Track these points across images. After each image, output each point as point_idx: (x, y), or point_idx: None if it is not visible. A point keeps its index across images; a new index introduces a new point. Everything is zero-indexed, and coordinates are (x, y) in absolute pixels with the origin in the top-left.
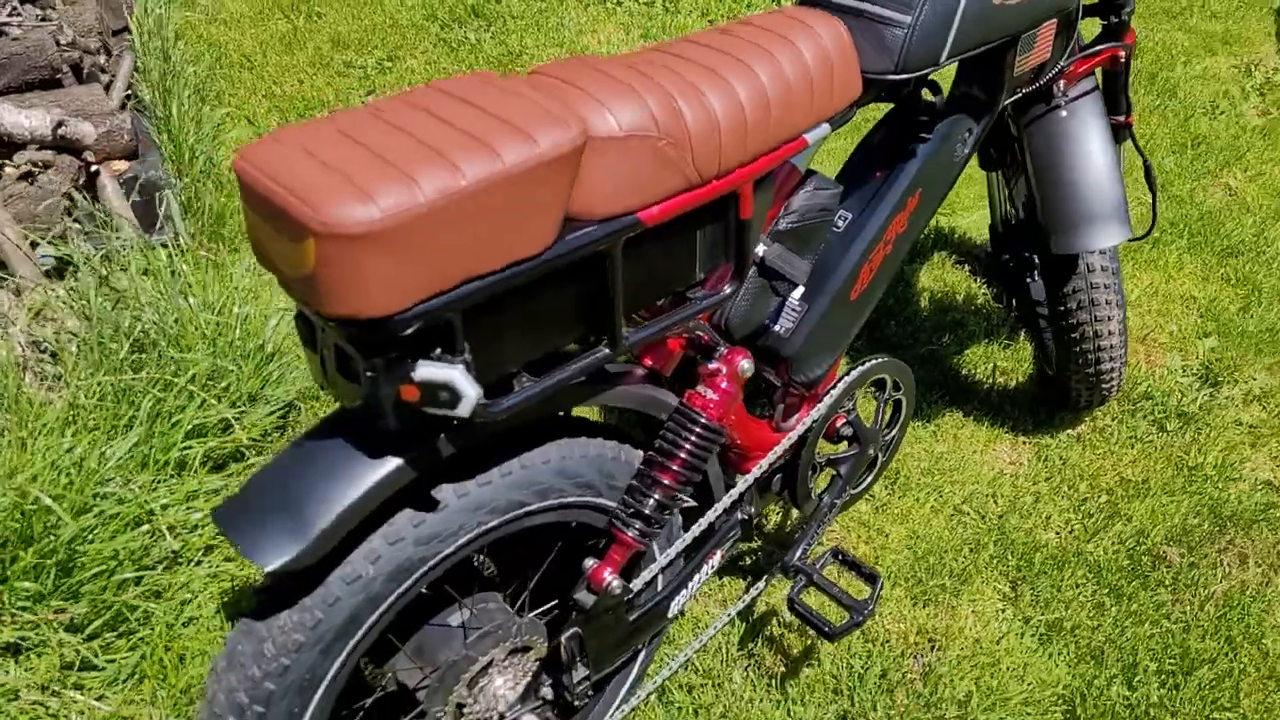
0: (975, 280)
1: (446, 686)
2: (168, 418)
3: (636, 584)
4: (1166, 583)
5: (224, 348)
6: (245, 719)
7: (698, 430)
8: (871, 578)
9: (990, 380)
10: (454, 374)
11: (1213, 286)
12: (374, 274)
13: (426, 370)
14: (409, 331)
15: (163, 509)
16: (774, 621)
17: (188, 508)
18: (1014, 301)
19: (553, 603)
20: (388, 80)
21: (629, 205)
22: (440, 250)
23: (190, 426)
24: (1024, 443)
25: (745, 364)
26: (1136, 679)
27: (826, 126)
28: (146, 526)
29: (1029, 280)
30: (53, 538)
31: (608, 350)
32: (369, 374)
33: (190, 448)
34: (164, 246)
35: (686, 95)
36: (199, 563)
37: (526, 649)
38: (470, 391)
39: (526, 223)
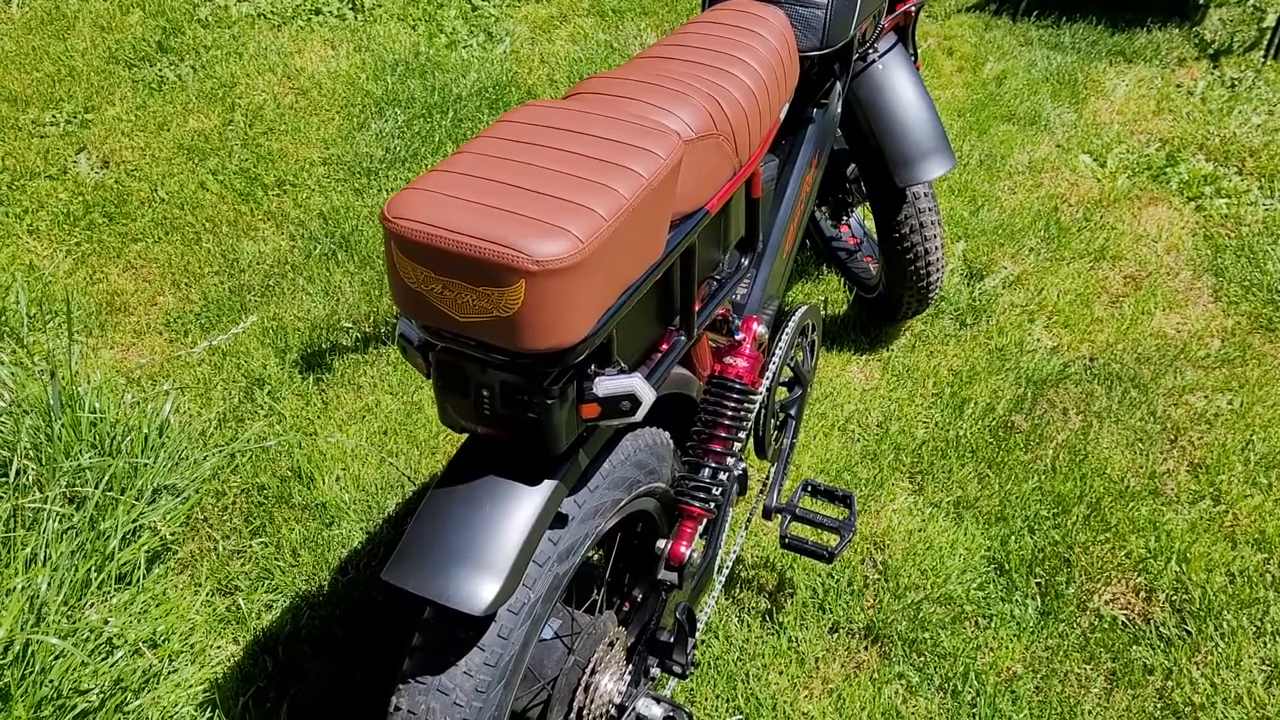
0: None
1: (563, 696)
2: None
3: (707, 549)
4: (1022, 445)
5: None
6: None
7: (736, 396)
8: (845, 498)
9: (823, 312)
10: (635, 383)
11: (943, 200)
12: (578, 302)
13: (608, 384)
14: (588, 352)
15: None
16: (742, 567)
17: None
18: (808, 243)
19: (627, 591)
20: (96, 134)
21: (702, 199)
22: (612, 268)
23: (122, 535)
24: (869, 360)
25: (761, 329)
26: (1035, 527)
27: (787, 104)
28: (121, 651)
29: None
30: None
31: (685, 337)
32: (548, 401)
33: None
34: None
35: (718, 92)
36: (172, 673)
37: (612, 643)
38: (649, 395)
39: (657, 230)
